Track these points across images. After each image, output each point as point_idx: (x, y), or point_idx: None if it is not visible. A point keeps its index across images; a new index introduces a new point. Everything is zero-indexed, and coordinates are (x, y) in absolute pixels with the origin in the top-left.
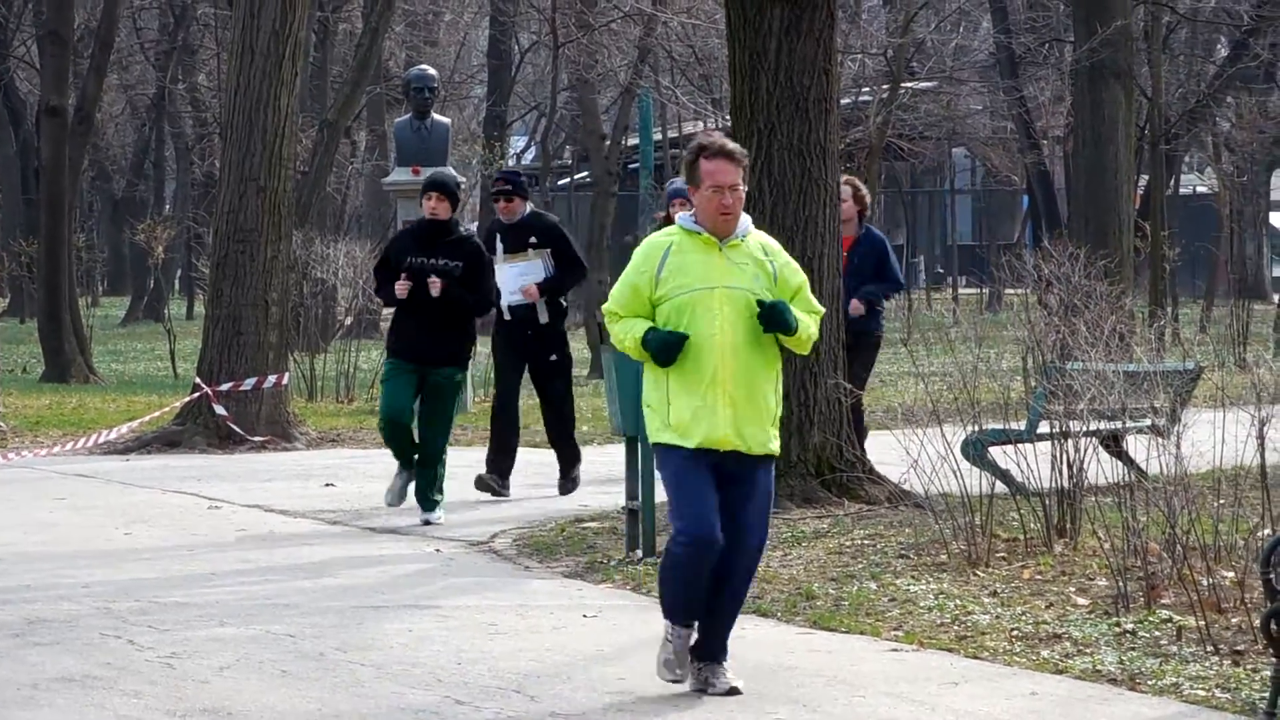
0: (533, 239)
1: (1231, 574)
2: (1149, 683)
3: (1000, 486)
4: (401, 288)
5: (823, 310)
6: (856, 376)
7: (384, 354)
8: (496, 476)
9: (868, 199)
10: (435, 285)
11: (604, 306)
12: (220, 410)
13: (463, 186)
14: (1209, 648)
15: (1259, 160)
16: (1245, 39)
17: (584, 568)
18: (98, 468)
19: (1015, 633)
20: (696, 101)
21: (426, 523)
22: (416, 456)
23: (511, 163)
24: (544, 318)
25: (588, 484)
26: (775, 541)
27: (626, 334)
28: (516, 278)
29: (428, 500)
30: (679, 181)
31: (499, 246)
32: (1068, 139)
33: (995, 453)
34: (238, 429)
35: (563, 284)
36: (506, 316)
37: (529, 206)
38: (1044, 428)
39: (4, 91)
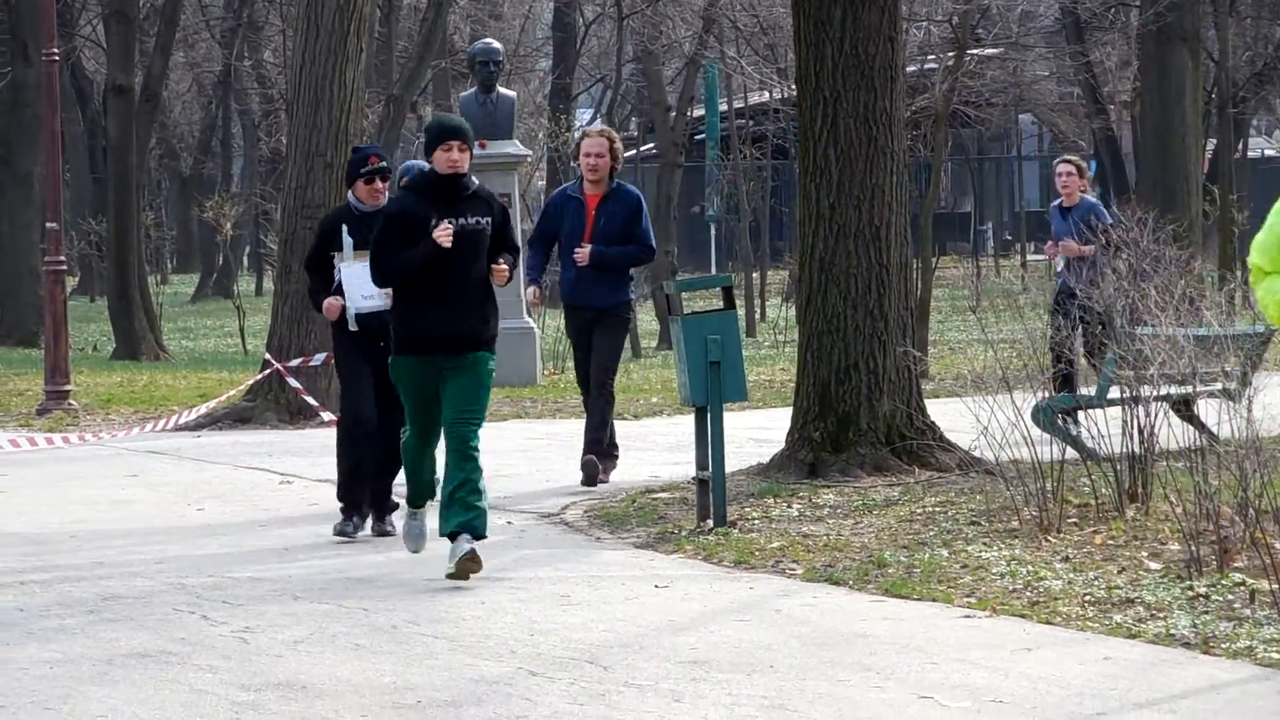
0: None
1: None
2: (1222, 646)
3: (1071, 452)
4: (444, 234)
5: None
6: (601, 366)
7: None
8: (355, 520)
9: (621, 153)
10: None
11: (1249, 259)
12: (294, 383)
13: (529, 160)
14: None
15: None
16: None
17: (655, 538)
18: (170, 444)
19: (1088, 598)
20: (762, 71)
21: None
22: (446, 465)
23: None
24: None
25: (659, 452)
26: (847, 510)
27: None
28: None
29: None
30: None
31: (345, 240)
32: (1135, 103)
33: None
34: (312, 400)
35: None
36: (353, 327)
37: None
38: (1115, 393)
39: (71, 71)
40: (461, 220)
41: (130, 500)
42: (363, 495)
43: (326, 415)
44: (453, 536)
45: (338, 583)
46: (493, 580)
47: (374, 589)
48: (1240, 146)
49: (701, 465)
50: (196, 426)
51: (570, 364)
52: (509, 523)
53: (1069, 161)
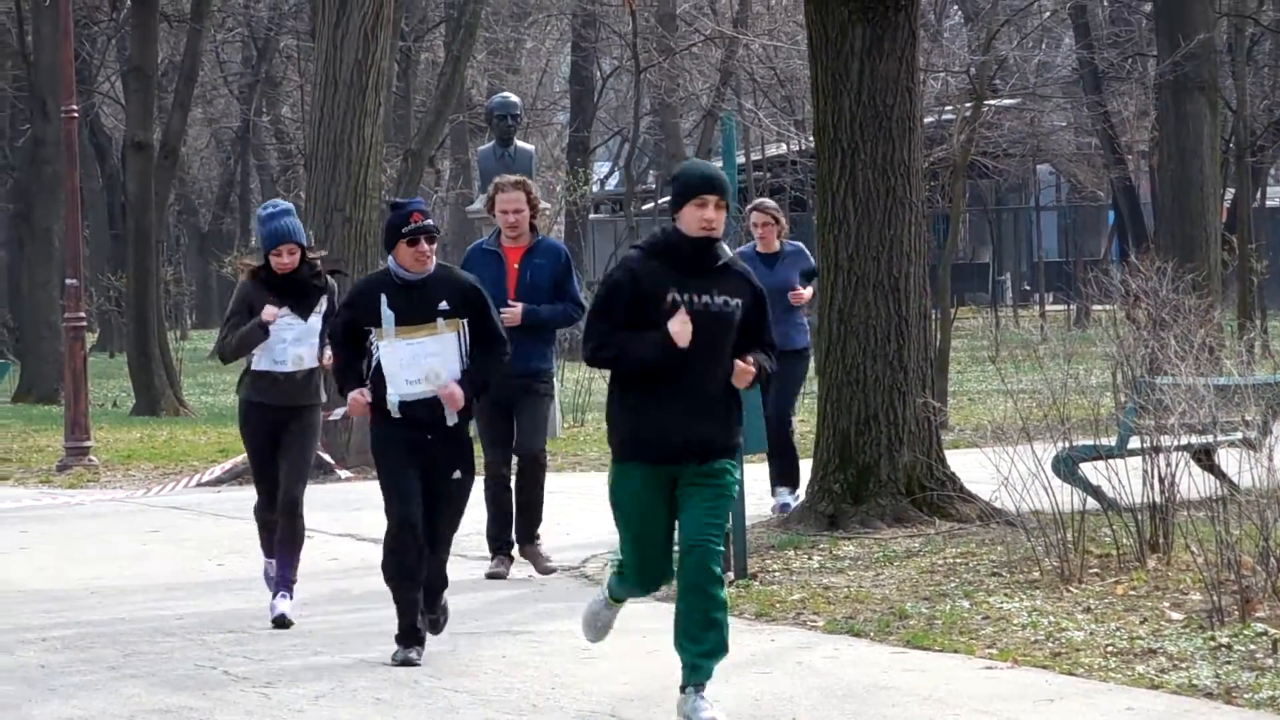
0: (444, 304)
1: None
2: (1245, 696)
3: (1092, 502)
4: (680, 327)
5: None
6: (521, 442)
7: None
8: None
9: (540, 202)
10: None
11: None
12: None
13: (548, 213)
14: None
15: None
16: None
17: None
18: (189, 499)
19: (1110, 648)
20: (779, 123)
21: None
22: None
23: (595, 189)
24: (452, 418)
25: None
26: (868, 561)
27: None
28: (420, 360)
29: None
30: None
31: (385, 314)
32: (1153, 153)
33: (1086, 469)
34: (328, 458)
35: (487, 374)
36: (395, 414)
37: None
38: (1135, 443)
39: (89, 127)
40: (706, 299)
41: (151, 556)
42: (419, 618)
43: (343, 474)
44: (683, 687)
45: (358, 637)
46: (513, 634)
47: (395, 643)
48: (1258, 195)
49: None
50: (216, 482)
51: (588, 417)
52: (530, 576)
53: (763, 210)
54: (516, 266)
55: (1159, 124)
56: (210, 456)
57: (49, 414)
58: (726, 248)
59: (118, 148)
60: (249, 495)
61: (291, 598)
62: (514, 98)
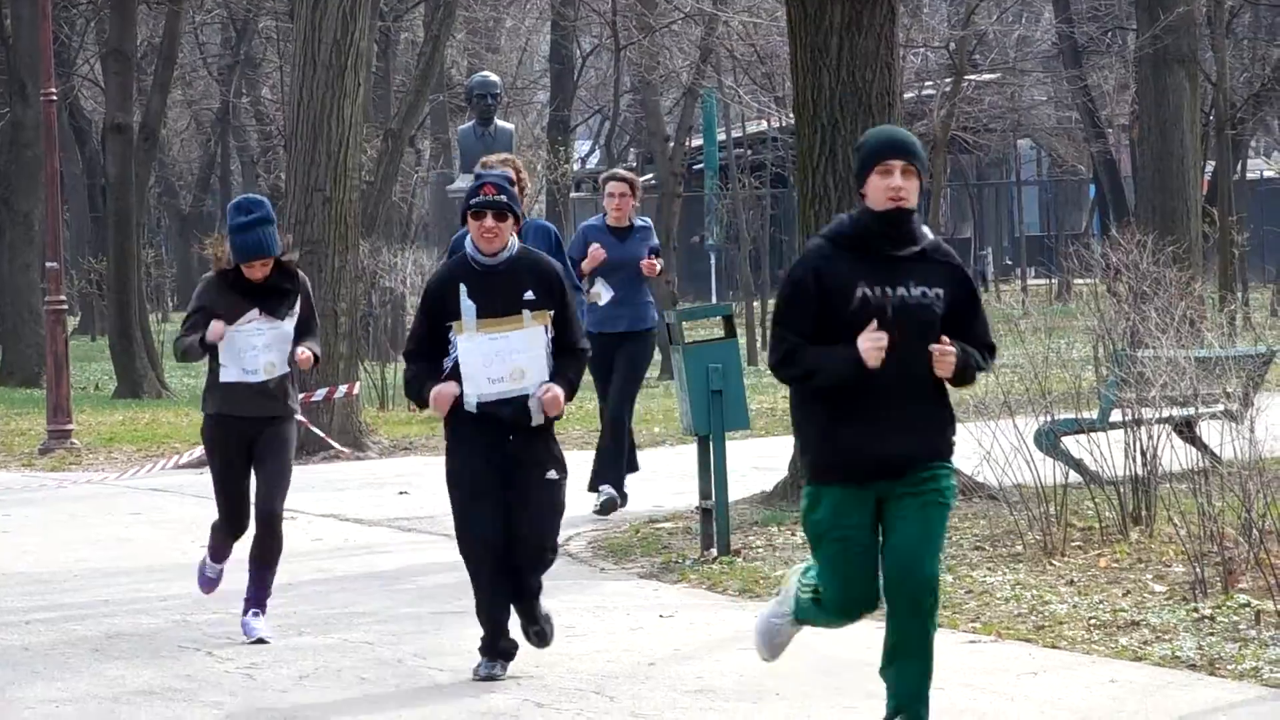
0: (529, 293)
1: None
2: (1229, 667)
3: (1074, 476)
4: (871, 345)
5: None
6: None
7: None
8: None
9: (527, 183)
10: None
11: None
12: (299, 417)
13: (529, 192)
14: None
15: None
16: None
17: (659, 568)
18: (171, 481)
19: (1093, 621)
20: (760, 100)
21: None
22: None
23: (576, 167)
24: (538, 417)
25: (662, 482)
26: None
27: None
28: (506, 357)
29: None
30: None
31: (465, 305)
32: (1133, 127)
33: (1068, 442)
34: (317, 430)
35: (576, 376)
36: (471, 408)
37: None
38: (1116, 416)
39: (69, 110)
40: (902, 292)
41: (133, 538)
42: (507, 635)
43: (333, 447)
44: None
45: (342, 617)
46: None
47: (379, 622)
48: (1239, 168)
49: (704, 494)
50: (199, 464)
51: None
52: None
53: (621, 180)
54: None
55: (1139, 97)
56: (192, 439)
57: (31, 397)
58: (927, 229)
59: (97, 130)
60: None
61: (265, 615)
62: (494, 77)
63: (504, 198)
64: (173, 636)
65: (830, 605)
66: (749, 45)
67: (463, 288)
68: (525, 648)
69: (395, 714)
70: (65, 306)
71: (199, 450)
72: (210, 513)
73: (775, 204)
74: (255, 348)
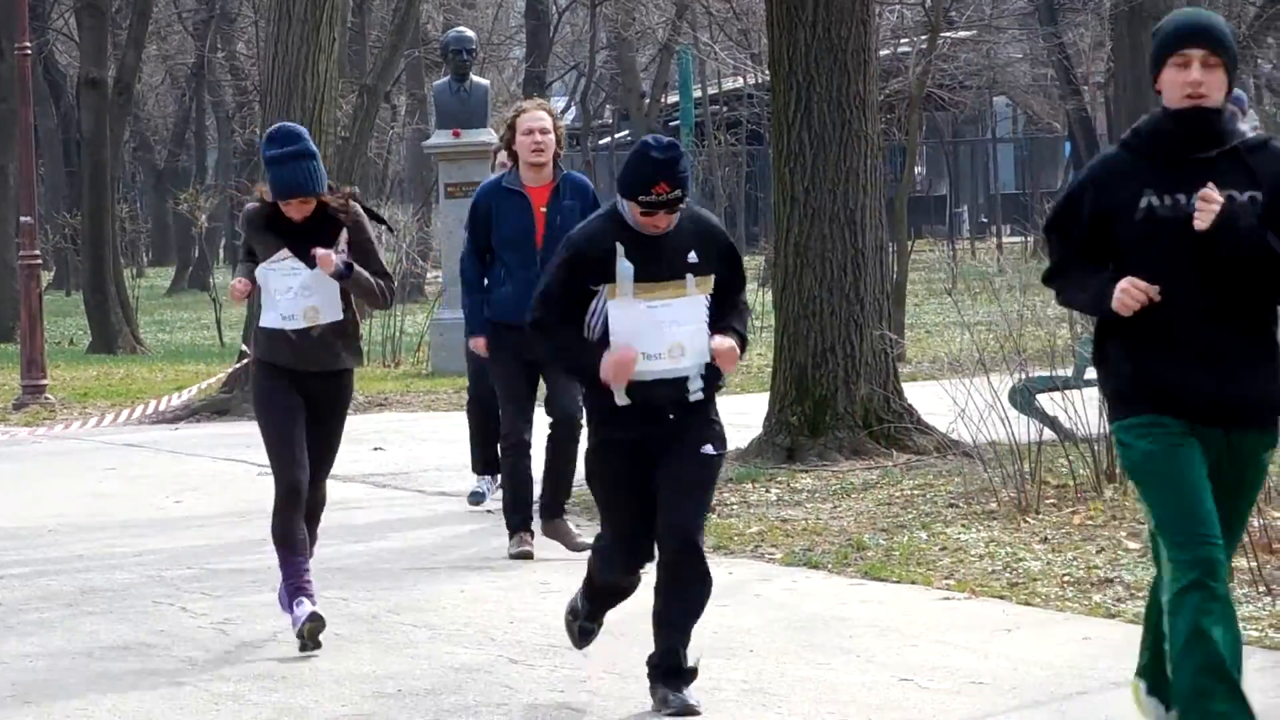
0: (692, 254)
1: None
2: None
3: (1049, 434)
4: (1205, 210)
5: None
6: (556, 402)
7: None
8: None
9: (563, 133)
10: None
11: None
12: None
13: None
14: (1260, 588)
15: None
16: None
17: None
18: (146, 437)
19: (1067, 578)
20: (735, 57)
21: None
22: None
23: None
24: (696, 391)
25: None
26: (825, 494)
27: None
28: (664, 329)
29: None
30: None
31: (622, 267)
32: (1109, 84)
33: (1043, 400)
34: None
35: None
36: (621, 401)
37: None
38: (1091, 374)
39: (44, 64)
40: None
41: (108, 493)
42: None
43: None
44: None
45: (318, 573)
46: (472, 569)
47: (354, 579)
48: None
49: None
50: (174, 419)
51: None
52: (489, 511)
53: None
54: (544, 210)
55: (1114, 55)
56: (167, 394)
57: (4, 352)
58: (1244, 125)
59: (72, 85)
60: (206, 433)
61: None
62: (469, 32)
63: (678, 193)
64: (147, 592)
65: (1176, 550)
66: (725, 1)
67: (619, 246)
68: (499, 607)
69: (369, 669)
70: (39, 261)
71: (175, 399)
72: (187, 469)
73: (751, 161)
74: (292, 289)
